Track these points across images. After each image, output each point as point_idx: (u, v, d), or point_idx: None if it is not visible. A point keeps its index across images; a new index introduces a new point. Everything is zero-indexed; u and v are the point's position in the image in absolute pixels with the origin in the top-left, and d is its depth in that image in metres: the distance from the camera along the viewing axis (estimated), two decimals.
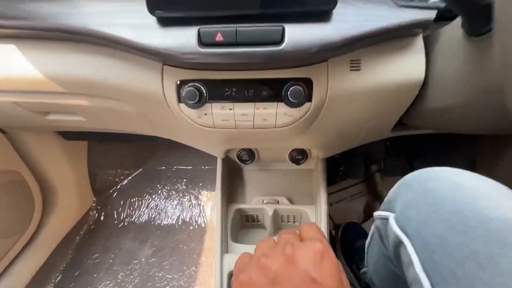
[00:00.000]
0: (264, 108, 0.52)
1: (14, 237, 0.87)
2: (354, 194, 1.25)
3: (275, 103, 0.52)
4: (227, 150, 0.73)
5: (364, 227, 1.10)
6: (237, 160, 0.79)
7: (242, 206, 0.74)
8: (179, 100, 0.51)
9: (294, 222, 0.77)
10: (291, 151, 0.77)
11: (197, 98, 0.50)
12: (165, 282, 0.97)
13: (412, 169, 1.20)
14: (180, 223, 1.16)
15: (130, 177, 1.28)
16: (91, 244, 1.13)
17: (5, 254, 0.86)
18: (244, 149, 0.76)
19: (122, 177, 1.27)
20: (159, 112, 0.57)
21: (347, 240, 0.94)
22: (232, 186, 0.81)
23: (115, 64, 0.50)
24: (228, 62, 0.45)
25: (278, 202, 0.75)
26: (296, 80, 0.50)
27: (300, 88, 0.49)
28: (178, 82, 0.50)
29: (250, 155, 0.76)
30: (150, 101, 0.55)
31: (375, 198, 1.24)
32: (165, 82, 0.51)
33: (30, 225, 0.92)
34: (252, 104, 0.52)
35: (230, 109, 0.52)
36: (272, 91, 0.51)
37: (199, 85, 0.50)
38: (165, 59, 0.45)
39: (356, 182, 1.26)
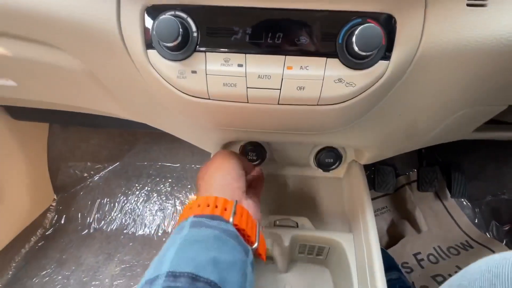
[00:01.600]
0: (301, 67, 0.29)
1: None
2: (376, 209, 1.02)
3: (323, 59, 0.29)
4: (226, 143, 0.48)
5: (391, 253, 0.86)
6: None
7: None
8: (147, 42, 0.29)
9: (317, 255, 0.53)
10: (319, 151, 0.53)
11: (179, 39, 0.28)
12: None
13: (450, 183, 0.99)
14: (159, 234, 0.98)
15: (103, 173, 1.08)
16: (42, 257, 0.89)
17: None
18: (251, 143, 0.52)
19: (92, 172, 1.08)
20: (113, 66, 0.33)
21: None
22: None
23: None
24: None
25: (297, 225, 0.51)
26: (364, 17, 0.27)
27: (376, 30, 0.26)
28: (147, 7, 0.29)
29: (259, 152, 0.53)
30: (97, 44, 0.31)
31: (403, 217, 1.01)
32: (123, 7, 0.28)
33: None
34: (280, 58, 0.29)
35: (240, 64, 0.29)
36: (320, 35, 0.28)
37: (183, 14, 0.27)
38: None
39: (380, 194, 1.04)
